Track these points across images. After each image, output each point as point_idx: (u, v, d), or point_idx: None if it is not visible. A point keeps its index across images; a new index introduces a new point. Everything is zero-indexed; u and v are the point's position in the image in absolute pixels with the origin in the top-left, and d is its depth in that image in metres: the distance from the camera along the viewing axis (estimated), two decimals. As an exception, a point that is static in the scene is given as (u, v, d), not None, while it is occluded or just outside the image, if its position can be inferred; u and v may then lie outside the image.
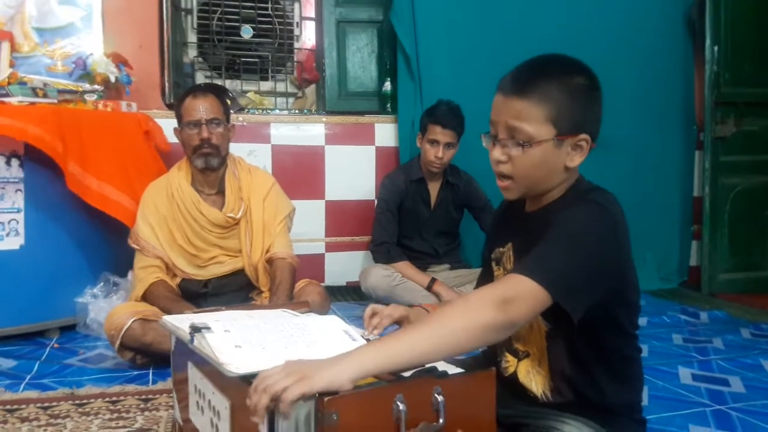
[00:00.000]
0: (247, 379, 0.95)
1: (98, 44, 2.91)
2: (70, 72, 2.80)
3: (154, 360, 2.14)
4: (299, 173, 3.38)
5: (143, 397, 1.87)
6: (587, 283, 1.03)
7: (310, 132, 3.43)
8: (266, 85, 3.79)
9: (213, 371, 1.11)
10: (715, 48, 3.51)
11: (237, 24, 3.68)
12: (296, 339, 1.16)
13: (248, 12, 3.70)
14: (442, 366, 1.00)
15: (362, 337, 1.20)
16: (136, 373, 2.11)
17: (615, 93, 3.46)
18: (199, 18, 3.66)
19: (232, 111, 2.69)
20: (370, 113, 3.53)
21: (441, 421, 0.94)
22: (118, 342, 2.09)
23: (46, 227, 2.47)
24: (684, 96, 3.75)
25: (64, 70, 2.80)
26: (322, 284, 2.55)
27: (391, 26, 3.40)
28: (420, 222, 3.06)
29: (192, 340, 1.15)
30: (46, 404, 1.80)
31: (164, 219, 2.33)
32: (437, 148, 2.86)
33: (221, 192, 2.39)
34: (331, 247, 3.48)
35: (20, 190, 2.41)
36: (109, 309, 2.29)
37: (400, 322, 1.28)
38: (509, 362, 1.24)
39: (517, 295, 0.98)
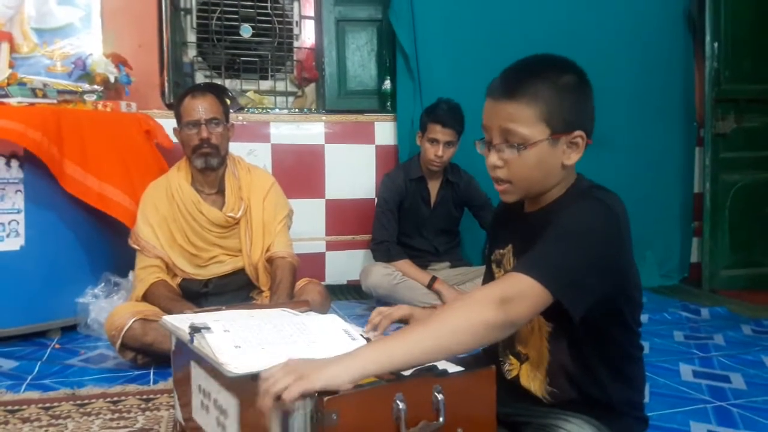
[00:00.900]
0: (255, 377, 0.95)
1: (97, 44, 2.91)
2: (70, 72, 2.79)
3: (155, 360, 2.14)
4: (299, 172, 3.38)
5: (144, 397, 1.88)
6: (588, 281, 1.03)
7: (310, 131, 3.43)
8: (266, 85, 3.79)
9: (219, 370, 1.11)
10: (715, 44, 3.51)
11: (236, 23, 3.67)
12: (296, 338, 1.16)
13: (247, 11, 3.69)
14: (441, 364, 1.00)
15: (362, 336, 1.20)
16: (137, 373, 2.12)
17: (615, 90, 3.49)
18: (198, 17, 3.66)
19: (231, 110, 2.69)
20: (369, 112, 3.52)
21: (441, 419, 0.94)
22: (119, 342, 2.09)
23: (47, 228, 2.46)
24: (684, 93, 3.74)
25: (63, 71, 2.80)
26: (322, 283, 2.55)
27: (391, 25, 3.39)
28: (420, 220, 3.05)
29: (192, 340, 1.15)
30: (48, 405, 1.80)
31: (164, 219, 2.33)
32: (437, 147, 2.86)
33: (221, 191, 2.39)
34: (331, 246, 3.48)
35: (20, 190, 2.41)
36: (109, 309, 2.29)
37: (404, 321, 1.28)
38: (513, 365, 1.24)
39: (517, 294, 0.98)
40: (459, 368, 1.03)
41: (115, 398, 1.86)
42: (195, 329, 1.14)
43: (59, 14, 2.86)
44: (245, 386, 1.01)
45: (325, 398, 0.85)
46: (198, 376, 1.26)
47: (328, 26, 3.57)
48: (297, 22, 3.83)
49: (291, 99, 3.83)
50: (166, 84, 3.30)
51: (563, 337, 1.14)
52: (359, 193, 3.47)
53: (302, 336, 1.17)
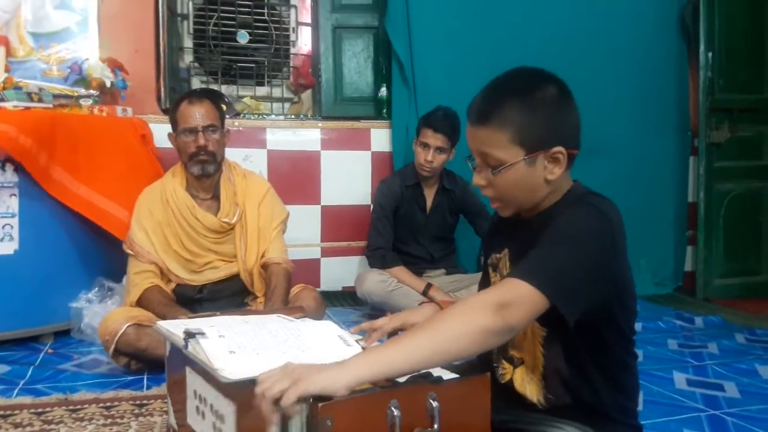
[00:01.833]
0: (254, 382, 0.94)
1: (94, 49, 2.91)
2: (66, 77, 2.79)
3: (149, 365, 2.13)
4: (295, 178, 3.38)
5: (137, 402, 1.87)
6: (584, 286, 1.03)
7: (306, 137, 3.43)
8: (262, 90, 3.80)
9: (214, 376, 1.11)
10: (710, 54, 3.53)
11: (233, 29, 3.68)
12: (291, 344, 1.15)
13: (244, 17, 3.70)
14: (436, 371, 1.00)
15: (357, 342, 1.20)
16: (130, 378, 2.11)
17: (610, 99, 3.51)
18: (195, 23, 3.66)
19: (228, 116, 2.69)
20: (365, 119, 3.53)
21: (436, 426, 0.94)
22: (112, 347, 2.08)
23: (41, 232, 2.46)
24: (678, 102, 3.76)
25: (59, 75, 2.80)
26: (317, 289, 2.55)
27: (387, 32, 3.40)
28: (415, 227, 3.06)
29: (186, 346, 1.15)
30: (40, 410, 1.79)
31: (159, 224, 2.32)
32: (427, 152, 2.86)
33: (216, 197, 2.39)
34: (326, 252, 3.48)
35: (15, 194, 2.40)
36: (103, 314, 2.28)
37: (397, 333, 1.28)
38: (505, 369, 1.24)
39: (514, 299, 0.98)
40: (454, 375, 1.03)
41: (108, 404, 1.85)
42: (189, 335, 1.14)
43: (56, 18, 2.87)
44: (243, 391, 1.01)
45: (320, 404, 0.85)
46: (193, 381, 1.25)
47: (325, 33, 3.58)
48: (294, 28, 3.85)
49: (287, 105, 3.83)
50: (162, 89, 3.29)
51: (557, 342, 1.14)
52: (355, 200, 3.47)
53: (297, 342, 1.17)
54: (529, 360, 1.19)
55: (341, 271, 3.46)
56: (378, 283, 2.84)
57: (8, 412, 1.77)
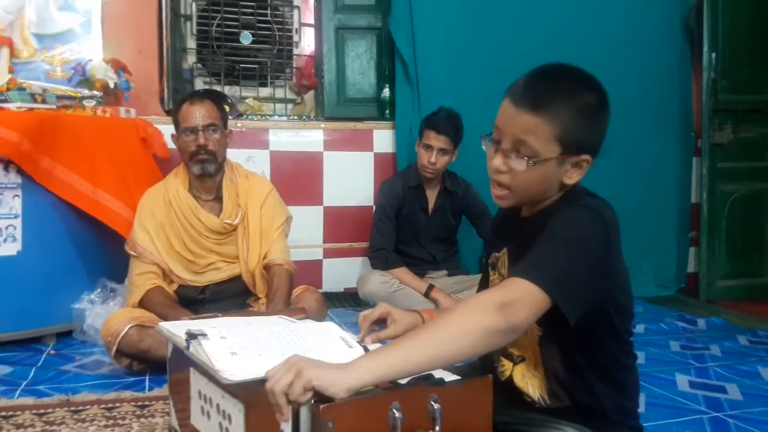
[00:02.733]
0: (260, 381, 0.94)
1: (97, 50, 2.91)
2: (69, 78, 2.80)
3: (151, 366, 2.13)
4: (298, 179, 3.38)
5: (139, 403, 1.87)
6: (584, 286, 1.03)
7: (309, 138, 3.43)
8: (265, 91, 3.80)
9: (215, 377, 1.11)
10: (713, 55, 3.53)
11: (236, 30, 3.69)
12: (293, 346, 1.15)
13: (247, 18, 3.71)
14: (438, 373, 1.00)
15: (359, 344, 1.20)
16: (132, 379, 2.11)
17: (613, 100, 3.43)
18: (198, 24, 3.67)
19: (230, 117, 2.69)
20: (368, 119, 3.53)
21: (437, 428, 0.94)
22: (114, 348, 2.08)
23: (44, 233, 2.46)
24: (681, 103, 3.76)
25: (63, 76, 2.81)
26: (319, 290, 2.55)
27: (390, 33, 3.41)
28: (418, 228, 3.06)
29: (188, 347, 1.15)
30: (42, 411, 1.79)
31: (161, 225, 2.33)
32: (430, 153, 2.86)
33: (219, 198, 2.39)
34: (328, 253, 3.48)
35: (18, 195, 2.40)
36: (105, 315, 2.28)
37: (383, 320, 1.26)
38: (505, 366, 1.24)
39: (516, 299, 0.98)
40: (455, 377, 1.03)
41: (110, 405, 1.85)
42: (191, 336, 1.14)
43: (59, 20, 2.87)
44: (250, 390, 1.01)
45: (321, 406, 0.85)
46: (198, 381, 1.25)
47: (328, 34, 3.58)
48: (297, 29, 3.85)
49: (290, 106, 3.84)
50: (165, 90, 3.30)
51: (554, 342, 1.14)
52: (357, 201, 3.47)
53: (299, 343, 1.17)
54: (530, 357, 1.19)
55: (343, 272, 3.46)
56: (380, 284, 2.84)
57: (10, 413, 1.77)
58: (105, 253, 2.63)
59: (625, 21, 3.58)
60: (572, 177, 1.12)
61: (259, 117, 3.48)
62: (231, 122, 2.70)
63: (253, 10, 3.71)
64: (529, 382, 1.19)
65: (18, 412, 1.78)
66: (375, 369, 0.90)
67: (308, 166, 3.42)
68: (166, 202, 2.34)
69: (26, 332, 2.46)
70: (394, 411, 0.90)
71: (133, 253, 2.33)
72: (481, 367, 1.31)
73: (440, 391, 0.95)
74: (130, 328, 2.07)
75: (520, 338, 1.19)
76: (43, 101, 2.54)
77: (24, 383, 2.05)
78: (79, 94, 2.71)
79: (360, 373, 0.89)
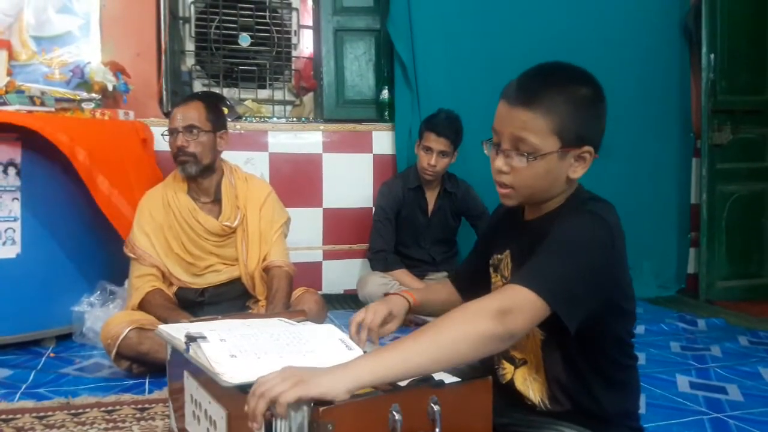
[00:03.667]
0: (244, 389, 0.94)
1: (96, 53, 2.92)
2: (68, 80, 2.80)
3: (151, 369, 2.12)
4: (297, 181, 3.38)
5: (139, 406, 1.86)
6: (584, 293, 1.03)
7: (308, 140, 3.43)
8: (264, 93, 3.80)
9: (209, 381, 1.11)
10: (712, 56, 3.53)
11: (235, 32, 3.69)
12: (292, 348, 1.15)
13: (246, 20, 3.71)
14: (438, 375, 1.00)
15: (358, 346, 1.20)
16: (132, 382, 2.10)
17: (612, 101, 3.42)
18: (196, 26, 3.67)
19: (229, 119, 2.69)
20: (367, 121, 3.53)
21: (437, 430, 0.93)
22: (114, 351, 2.08)
23: (43, 236, 2.46)
24: (680, 104, 3.76)
25: (61, 79, 2.81)
26: (319, 292, 2.55)
27: (389, 34, 3.41)
28: (417, 230, 3.05)
29: (187, 350, 1.15)
30: (42, 414, 1.79)
31: (160, 227, 2.33)
32: (430, 156, 2.86)
33: (217, 200, 2.39)
34: (328, 255, 3.48)
35: (17, 198, 2.40)
36: (105, 318, 2.27)
37: (385, 323, 1.27)
38: (506, 369, 1.24)
39: (515, 306, 0.98)
40: (455, 379, 1.03)
41: (110, 408, 1.85)
42: (191, 338, 1.14)
43: (58, 22, 2.88)
44: (235, 398, 1.00)
45: (321, 408, 0.85)
46: (190, 386, 1.25)
47: (327, 36, 3.58)
48: (295, 31, 3.85)
49: (289, 108, 3.84)
50: (164, 92, 3.30)
51: (556, 346, 1.14)
52: (356, 203, 3.47)
53: (299, 345, 1.17)
54: (532, 360, 1.19)
55: (343, 274, 3.46)
56: (379, 285, 2.84)
57: (10, 416, 1.77)
58: (104, 256, 2.63)
59: (623, 23, 3.58)
60: (577, 171, 1.12)
61: (258, 119, 3.48)
62: (230, 124, 2.70)
63: (251, 12, 3.71)
64: (530, 386, 1.18)
65: (18, 415, 1.77)
66: (374, 370, 0.90)
67: (307, 168, 3.42)
68: (165, 204, 2.34)
69: (26, 335, 2.46)
70: (394, 413, 0.90)
71: (132, 255, 2.33)
72: (482, 368, 1.30)
73: (440, 393, 0.95)
74: (129, 330, 2.06)
75: (523, 341, 1.19)
76: (42, 104, 2.54)
77: (24, 386, 2.04)
78: (78, 97, 2.71)
79: (358, 373, 0.89)
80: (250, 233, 2.38)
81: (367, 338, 1.24)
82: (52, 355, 2.41)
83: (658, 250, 3.69)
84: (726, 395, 2.03)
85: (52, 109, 2.56)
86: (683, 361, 2.39)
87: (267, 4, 3.77)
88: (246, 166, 3.09)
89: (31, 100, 2.52)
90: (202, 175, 2.33)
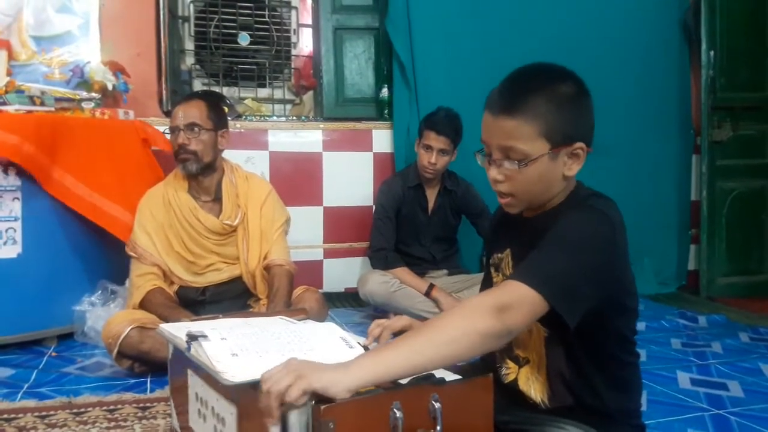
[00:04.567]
0: (253, 385, 0.94)
1: (95, 52, 2.92)
2: (68, 80, 2.80)
3: (152, 368, 2.13)
4: (297, 180, 3.38)
5: (141, 405, 1.87)
6: (584, 289, 1.03)
7: (308, 138, 3.43)
8: (264, 92, 3.80)
9: (216, 378, 1.11)
10: (711, 53, 3.53)
11: (234, 31, 3.69)
12: (293, 346, 1.15)
13: (245, 19, 3.71)
14: (439, 373, 1.00)
15: (359, 344, 1.20)
16: (133, 381, 2.11)
17: (611, 98, 3.49)
18: (196, 25, 3.67)
19: (229, 118, 2.69)
20: (367, 120, 3.53)
21: (438, 428, 0.94)
22: (115, 350, 2.08)
23: (44, 235, 2.46)
24: (680, 101, 3.76)
25: (61, 78, 2.81)
26: (320, 291, 2.55)
27: (388, 33, 3.40)
28: (417, 228, 3.05)
29: (189, 348, 1.15)
30: (44, 413, 1.79)
31: (161, 226, 2.33)
32: (430, 154, 2.86)
33: (218, 199, 2.39)
34: (329, 254, 3.48)
35: (17, 198, 2.40)
36: (106, 317, 2.28)
37: (404, 332, 1.27)
38: (510, 369, 1.24)
39: (513, 302, 0.98)
40: (456, 377, 1.03)
41: (112, 407, 1.85)
42: (192, 337, 1.14)
43: (57, 22, 2.87)
44: (244, 394, 1.01)
45: (322, 407, 0.85)
46: (195, 384, 1.25)
47: (326, 34, 3.58)
48: (295, 30, 3.85)
49: (289, 107, 3.84)
50: (163, 92, 3.30)
51: (559, 343, 1.14)
52: (357, 201, 3.47)
53: (299, 344, 1.17)
54: (534, 359, 1.19)
55: (344, 272, 3.46)
56: (380, 284, 2.84)
57: (12, 416, 1.77)
58: (105, 255, 2.63)
59: (623, 21, 3.58)
60: (572, 168, 1.12)
61: (257, 118, 3.48)
62: (230, 123, 2.70)
63: (250, 11, 3.71)
64: (532, 386, 1.18)
65: (20, 415, 1.78)
66: (374, 368, 0.90)
67: (307, 166, 3.42)
68: (166, 203, 2.34)
69: (27, 335, 2.47)
70: (395, 411, 0.90)
71: (133, 254, 2.33)
72: (483, 366, 1.31)
73: (441, 391, 0.95)
74: (130, 329, 2.07)
75: (526, 339, 1.19)
76: (42, 104, 2.54)
77: (26, 386, 2.05)
78: (78, 97, 2.71)
79: (360, 372, 0.89)
80: (251, 232, 2.38)
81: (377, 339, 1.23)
82: (53, 354, 2.41)
83: (658, 246, 3.69)
84: (727, 392, 2.03)
85: (52, 109, 2.56)
86: (684, 358, 2.40)
87: (266, 2, 3.77)
88: (246, 164, 3.09)
89: (31, 99, 2.52)
90: (202, 174, 2.33)
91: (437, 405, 0.94)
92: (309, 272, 3.34)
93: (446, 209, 3.07)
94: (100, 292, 2.56)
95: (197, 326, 1.24)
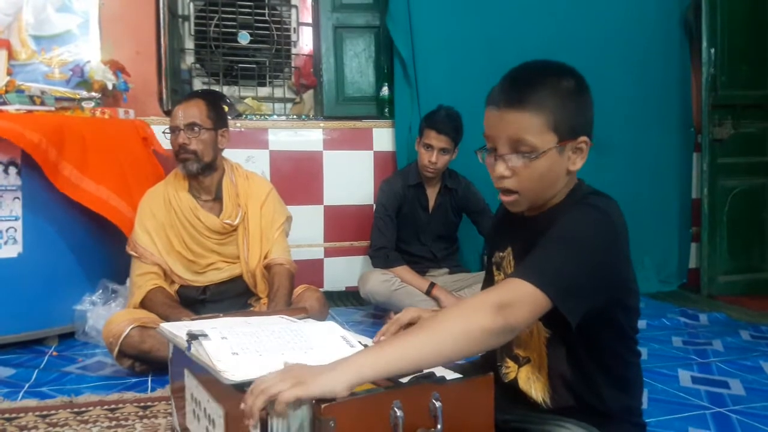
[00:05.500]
0: (242, 387, 0.95)
1: (95, 51, 2.91)
2: (68, 79, 2.80)
3: (153, 367, 2.13)
4: (297, 179, 3.38)
5: (142, 404, 1.87)
6: (586, 287, 1.03)
7: (308, 137, 3.43)
8: (264, 91, 3.80)
9: (208, 379, 1.11)
10: (712, 50, 3.52)
11: (234, 30, 3.69)
12: (293, 345, 1.15)
13: (245, 18, 3.71)
14: (439, 371, 1.00)
15: (360, 343, 1.20)
16: (134, 380, 2.11)
17: (612, 96, 3.50)
18: (196, 24, 3.67)
19: (230, 117, 2.69)
20: (367, 118, 3.53)
21: (439, 427, 0.93)
22: (116, 349, 2.08)
23: (45, 235, 2.46)
24: (681, 99, 3.75)
25: (61, 78, 2.81)
26: (321, 290, 2.55)
27: (388, 31, 3.40)
28: (418, 226, 3.05)
29: (189, 348, 1.15)
30: (45, 412, 1.80)
31: (162, 226, 2.33)
32: (431, 153, 2.85)
33: (219, 198, 2.39)
34: (329, 253, 3.48)
35: (18, 197, 2.41)
36: (107, 316, 2.28)
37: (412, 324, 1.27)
38: (510, 368, 1.23)
39: (515, 300, 0.98)
40: (457, 375, 1.03)
41: (113, 406, 1.85)
42: (192, 336, 1.14)
43: (57, 21, 2.87)
44: (233, 396, 1.01)
45: (323, 405, 0.85)
46: (191, 384, 1.26)
47: (326, 33, 3.58)
48: (295, 28, 3.85)
49: (289, 105, 3.83)
50: (164, 91, 3.30)
51: (561, 344, 1.13)
52: (357, 200, 3.47)
53: (300, 343, 1.17)
54: (535, 359, 1.18)
55: (344, 271, 3.46)
56: (381, 282, 2.84)
57: (13, 415, 1.78)
58: (106, 254, 2.64)
59: (623, 18, 3.57)
60: (576, 163, 1.12)
61: (258, 117, 3.47)
62: (230, 122, 2.70)
63: (250, 10, 3.71)
64: (533, 385, 1.18)
65: (21, 414, 1.78)
66: (374, 364, 0.90)
67: (308, 165, 3.42)
68: (166, 202, 2.34)
69: (28, 334, 2.47)
70: (396, 409, 0.90)
71: (134, 253, 2.33)
72: (484, 365, 1.30)
73: (442, 389, 0.95)
74: (131, 329, 2.07)
75: (527, 339, 1.19)
76: (42, 103, 2.54)
77: (27, 385, 2.05)
78: (78, 96, 2.71)
79: (359, 369, 0.89)
80: (251, 231, 2.38)
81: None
82: (54, 353, 2.41)
83: (659, 245, 3.68)
84: (728, 390, 2.03)
85: (53, 109, 2.56)
86: (685, 356, 2.39)
87: (266, 1, 3.76)
88: (246, 164, 3.09)
89: (31, 99, 2.52)
90: (203, 173, 2.33)
91: (438, 404, 0.94)
92: (310, 271, 3.34)
93: (447, 207, 3.07)
94: (100, 291, 2.56)
95: (198, 325, 1.24)
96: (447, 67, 3.39)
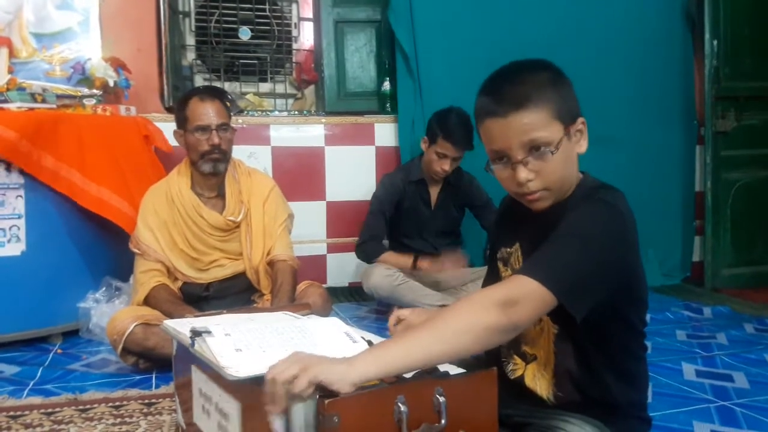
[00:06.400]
0: (257, 380, 0.94)
1: (96, 48, 2.91)
2: (69, 77, 2.80)
3: (157, 364, 2.14)
4: (300, 174, 3.38)
5: (146, 401, 1.87)
6: (593, 284, 1.02)
7: (310, 133, 3.43)
8: (265, 87, 3.79)
9: (219, 375, 1.11)
10: (715, 42, 3.51)
11: (235, 26, 3.68)
12: (297, 342, 1.15)
13: (246, 13, 3.70)
14: (443, 366, 1.00)
15: (363, 339, 1.20)
16: (138, 377, 2.11)
17: (615, 89, 3.49)
18: (197, 20, 3.66)
19: (232, 113, 2.69)
20: (369, 113, 3.52)
21: (443, 421, 0.93)
22: (120, 346, 2.09)
23: (48, 233, 2.46)
24: (684, 91, 3.74)
25: (62, 75, 2.81)
26: (324, 285, 2.55)
27: (390, 25, 3.40)
28: (421, 222, 3.04)
29: (193, 344, 1.15)
30: (50, 410, 1.80)
31: (164, 223, 2.33)
32: (445, 162, 2.81)
33: (221, 195, 2.39)
34: (332, 248, 3.48)
35: (21, 196, 2.41)
36: (111, 314, 2.29)
37: None
38: (517, 365, 1.23)
39: (520, 297, 0.97)
40: (461, 370, 1.03)
41: (117, 403, 1.86)
42: (196, 333, 1.14)
43: (58, 19, 2.87)
44: (247, 390, 1.01)
45: (326, 401, 0.85)
46: (199, 380, 1.25)
47: (327, 28, 3.57)
48: (295, 23, 3.84)
49: (290, 101, 3.83)
50: (165, 87, 3.30)
51: (568, 340, 1.13)
52: (360, 195, 3.46)
53: (303, 339, 1.17)
54: (542, 356, 1.18)
55: (347, 266, 3.46)
56: (384, 277, 2.84)
57: (18, 413, 1.78)
58: (109, 252, 2.64)
59: (625, 11, 3.55)
60: (581, 145, 1.14)
61: (259, 113, 3.47)
62: (232, 119, 2.70)
63: (251, 6, 3.70)
64: (539, 383, 1.18)
65: (26, 412, 1.79)
66: (379, 363, 0.90)
67: (310, 161, 3.41)
68: (169, 200, 2.34)
69: (33, 332, 2.47)
70: (400, 405, 0.90)
71: (137, 251, 2.33)
72: (488, 361, 1.30)
73: (445, 384, 0.95)
74: (135, 326, 2.07)
75: (535, 337, 1.19)
76: (44, 101, 2.54)
77: (31, 383, 2.06)
78: (79, 93, 2.71)
79: (364, 367, 0.89)
80: (254, 228, 2.38)
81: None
82: (59, 351, 2.42)
83: (662, 238, 3.67)
84: (732, 383, 2.02)
85: (54, 106, 2.56)
86: (689, 350, 2.39)
87: (267, -3, 3.75)
88: (249, 160, 3.09)
89: (33, 97, 2.53)
90: (224, 172, 2.34)
91: (442, 399, 0.94)
92: (312, 267, 3.34)
93: (449, 203, 3.06)
94: (104, 288, 2.56)
95: (201, 322, 1.24)
96: (449, 60, 3.37)
